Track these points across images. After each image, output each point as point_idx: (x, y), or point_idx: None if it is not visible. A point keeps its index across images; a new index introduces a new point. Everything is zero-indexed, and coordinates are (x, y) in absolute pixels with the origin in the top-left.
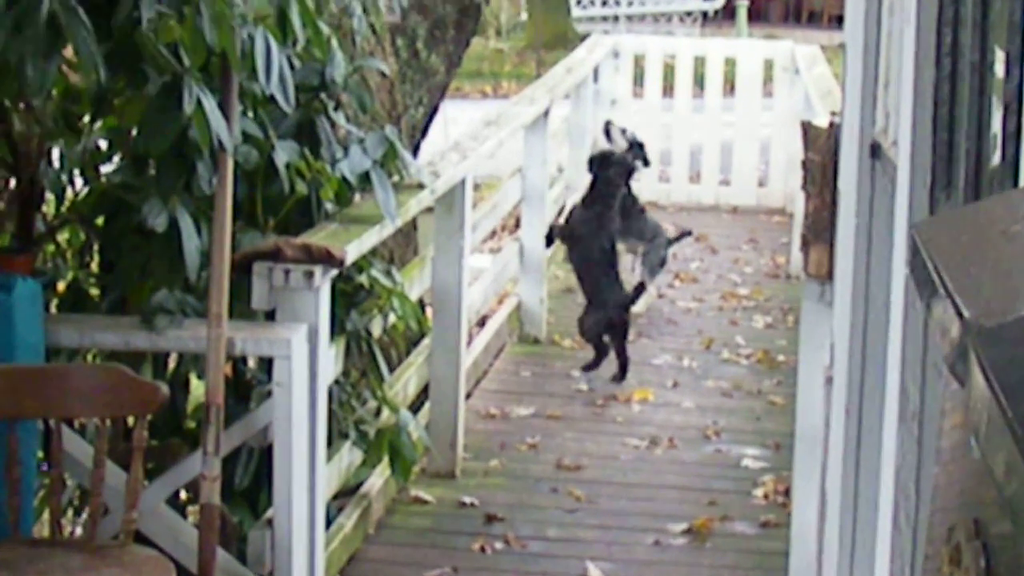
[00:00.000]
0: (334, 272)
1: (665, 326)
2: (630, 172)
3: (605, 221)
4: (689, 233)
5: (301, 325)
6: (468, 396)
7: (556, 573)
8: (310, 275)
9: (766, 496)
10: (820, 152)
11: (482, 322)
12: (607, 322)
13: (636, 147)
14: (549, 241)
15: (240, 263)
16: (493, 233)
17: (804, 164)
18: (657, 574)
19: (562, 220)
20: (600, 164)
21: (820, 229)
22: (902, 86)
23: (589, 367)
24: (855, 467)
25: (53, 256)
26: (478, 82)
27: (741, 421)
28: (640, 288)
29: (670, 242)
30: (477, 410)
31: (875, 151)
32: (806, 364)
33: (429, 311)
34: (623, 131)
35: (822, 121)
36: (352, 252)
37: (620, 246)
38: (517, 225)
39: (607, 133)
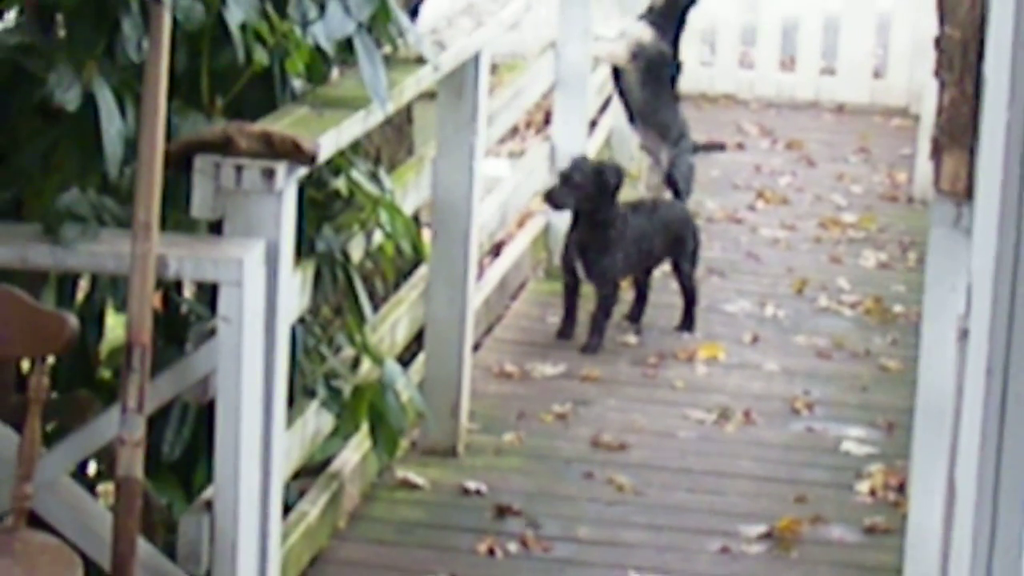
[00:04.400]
0: (303, 172)
1: (743, 261)
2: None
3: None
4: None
5: (257, 241)
6: (476, 347)
7: None
8: (270, 174)
9: (873, 492)
10: (961, 26)
11: (497, 249)
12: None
13: None
14: None
15: (177, 155)
16: (515, 131)
17: (938, 42)
18: None
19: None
20: None
21: (958, 130)
22: None
23: (636, 313)
24: (996, 451)
25: None
26: None
27: (842, 391)
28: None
29: (696, 149)
30: (488, 366)
31: None
32: (933, 313)
33: (427, 232)
34: None
35: None
36: (327, 145)
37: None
38: (547, 121)
39: None
